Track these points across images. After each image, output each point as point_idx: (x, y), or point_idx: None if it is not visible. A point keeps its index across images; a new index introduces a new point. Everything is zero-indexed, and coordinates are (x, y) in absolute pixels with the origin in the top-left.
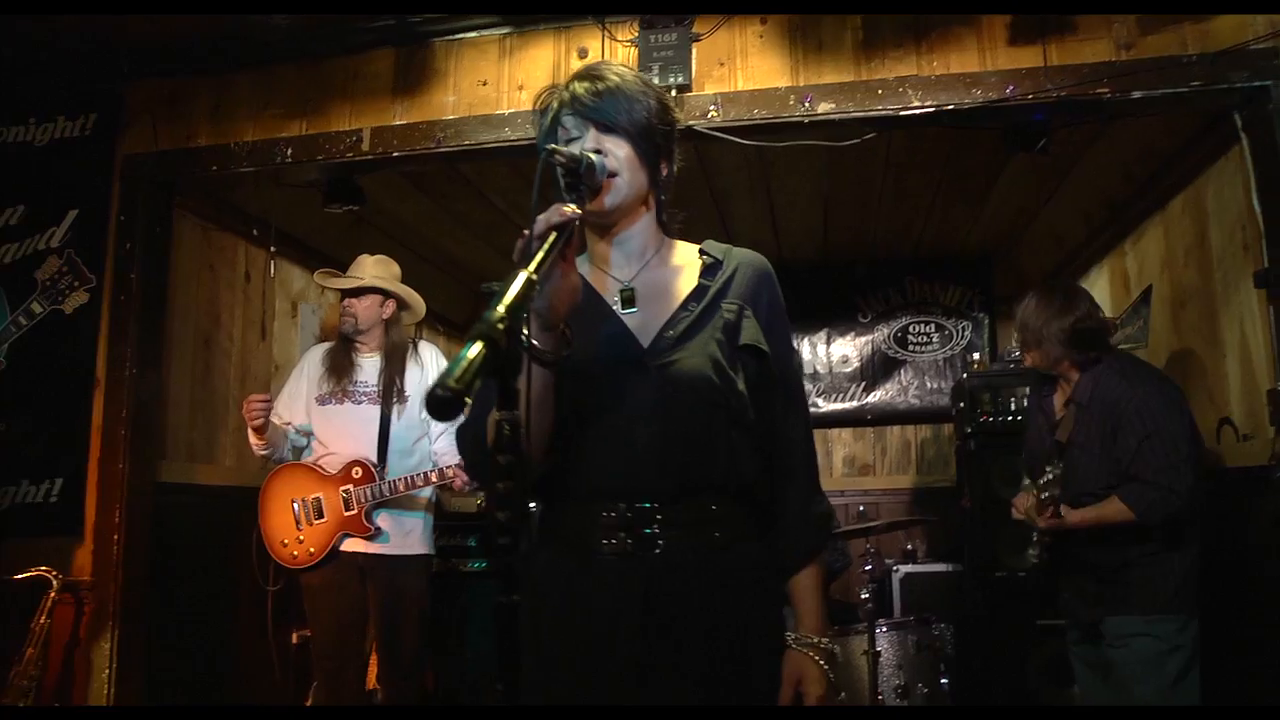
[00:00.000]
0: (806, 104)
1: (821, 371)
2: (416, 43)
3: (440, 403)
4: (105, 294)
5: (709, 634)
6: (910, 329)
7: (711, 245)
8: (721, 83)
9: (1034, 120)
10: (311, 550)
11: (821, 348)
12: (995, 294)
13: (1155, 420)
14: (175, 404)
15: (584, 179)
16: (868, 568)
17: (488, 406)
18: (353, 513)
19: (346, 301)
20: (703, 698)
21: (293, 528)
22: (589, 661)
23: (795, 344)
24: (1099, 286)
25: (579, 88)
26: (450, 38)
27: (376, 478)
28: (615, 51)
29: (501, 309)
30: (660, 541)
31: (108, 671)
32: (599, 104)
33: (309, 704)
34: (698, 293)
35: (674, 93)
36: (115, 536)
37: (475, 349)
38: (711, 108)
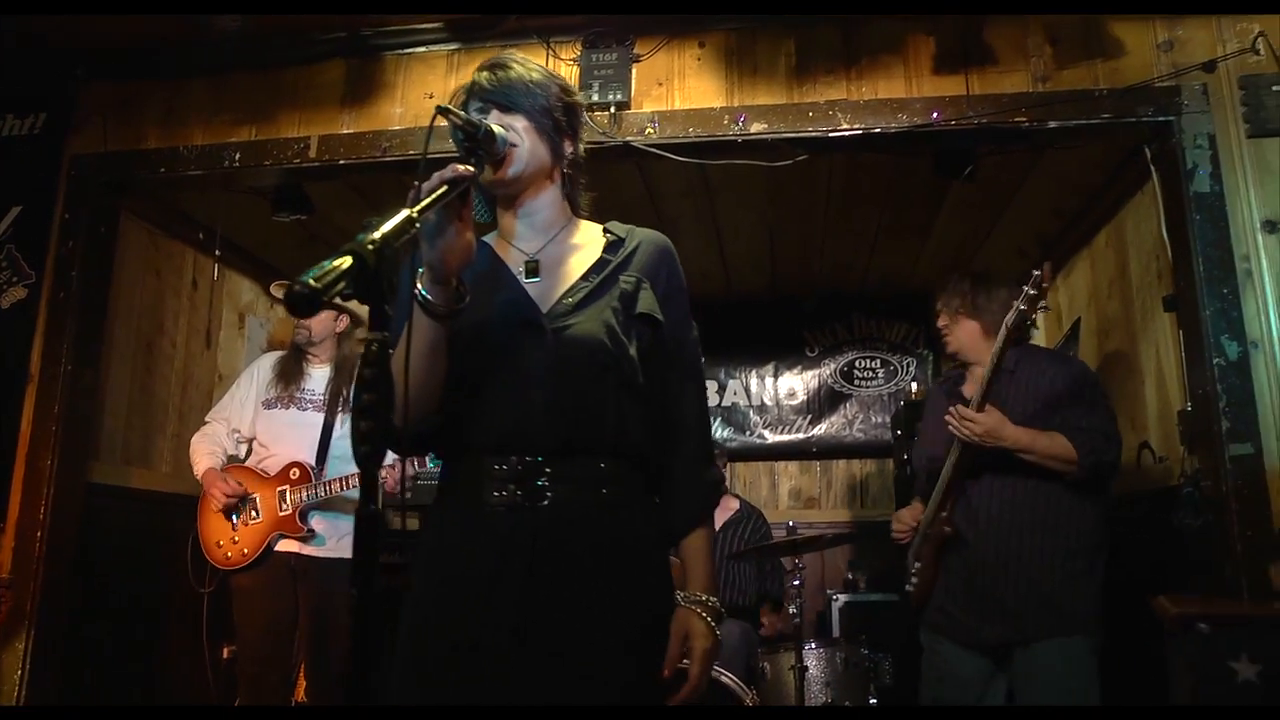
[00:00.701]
0: (740, 124)
1: (769, 404)
2: (368, 55)
3: (299, 298)
4: (44, 291)
5: (593, 587)
6: (856, 364)
7: (615, 225)
8: (660, 101)
9: (960, 146)
10: (245, 550)
11: (769, 380)
12: (938, 331)
13: (1099, 386)
14: (113, 407)
15: (482, 144)
16: (796, 582)
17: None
18: (287, 513)
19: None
20: (582, 650)
21: (228, 528)
22: (473, 607)
23: (747, 373)
24: (1036, 323)
25: (482, 76)
26: (400, 52)
27: (313, 479)
28: (559, 69)
29: (375, 234)
30: (549, 494)
31: (19, 673)
32: (499, 87)
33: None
34: (598, 265)
35: (613, 110)
36: (38, 534)
37: (342, 259)
38: (649, 125)
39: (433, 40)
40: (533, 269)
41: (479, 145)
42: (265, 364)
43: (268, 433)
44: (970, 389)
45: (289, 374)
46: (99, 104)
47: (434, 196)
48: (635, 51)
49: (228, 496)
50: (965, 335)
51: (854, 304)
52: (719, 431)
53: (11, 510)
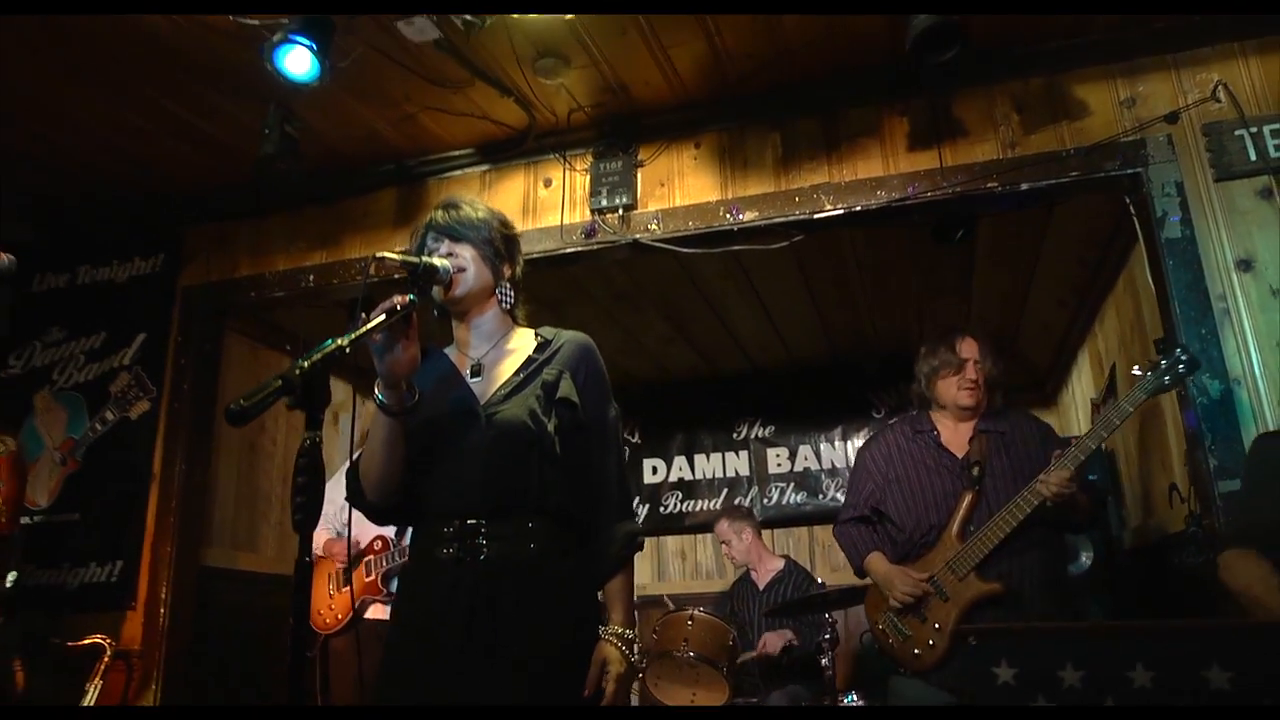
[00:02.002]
0: (734, 214)
1: (840, 466)
2: (413, 182)
3: (232, 415)
4: (163, 403)
5: (524, 625)
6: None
7: (546, 329)
8: (662, 200)
9: (937, 215)
10: (339, 615)
11: (838, 443)
12: (1006, 385)
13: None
14: (222, 499)
15: (422, 277)
16: (827, 636)
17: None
18: (371, 578)
19: None
20: (514, 677)
21: (326, 595)
22: (424, 644)
23: (816, 438)
24: (1084, 370)
25: (437, 214)
26: (441, 176)
27: (392, 548)
28: (573, 179)
29: (304, 361)
30: (485, 550)
31: None
32: (450, 223)
33: None
34: (527, 363)
35: (620, 211)
36: (161, 610)
37: (273, 383)
38: (653, 222)
39: (466, 164)
40: (476, 370)
41: (419, 278)
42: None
43: None
44: (953, 436)
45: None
46: (202, 242)
47: (370, 325)
48: (639, 158)
49: (344, 563)
50: (984, 391)
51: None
52: (794, 495)
53: (140, 591)
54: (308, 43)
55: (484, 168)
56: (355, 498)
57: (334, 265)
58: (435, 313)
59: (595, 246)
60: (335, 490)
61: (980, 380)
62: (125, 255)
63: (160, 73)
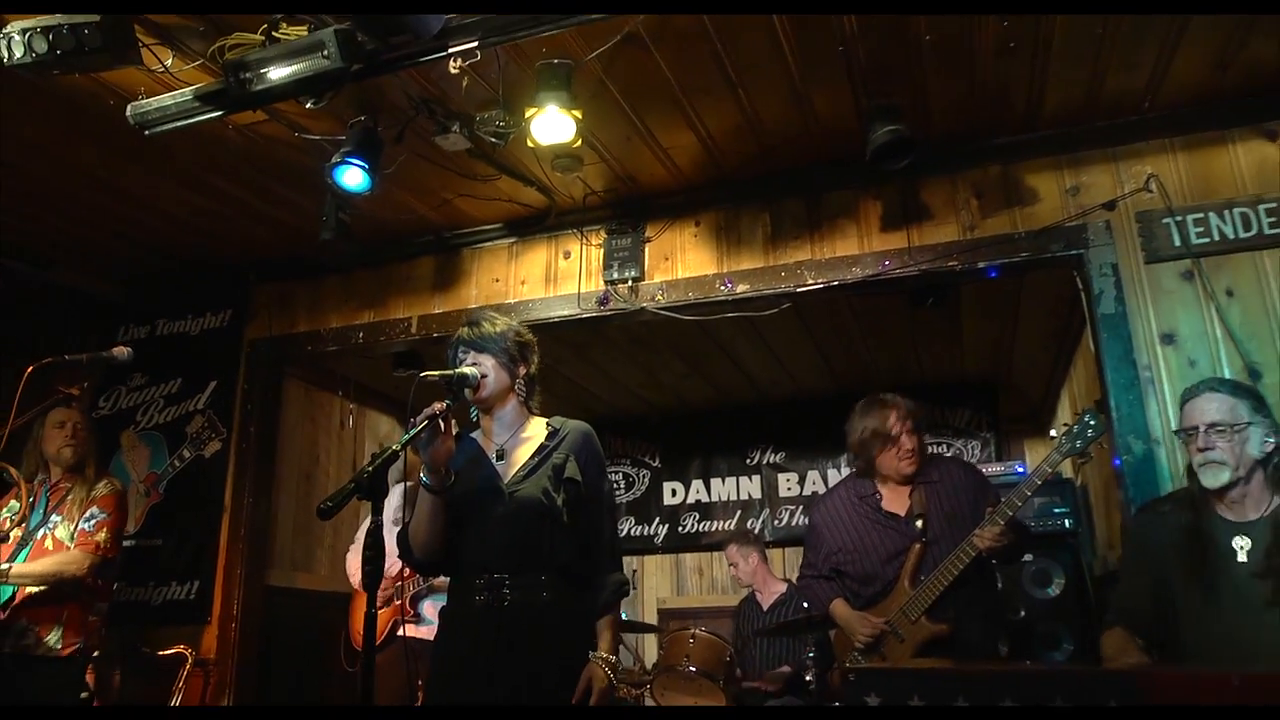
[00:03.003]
0: (728, 286)
1: None
2: (450, 251)
3: (322, 512)
4: (233, 442)
5: (535, 653)
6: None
7: (556, 419)
8: (666, 273)
9: (904, 289)
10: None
11: (844, 469)
12: (1000, 415)
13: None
14: (282, 525)
15: (456, 385)
16: (811, 654)
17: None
18: (401, 602)
19: None
20: (529, 691)
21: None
22: (459, 669)
23: (824, 465)
24: (1066, 407)
25: (464, 331)
26: (474, 246)
27: (416, 575)
28: (589, 252)
29: (369, 465)
30: (508, 598)
31: None
32: (474, 338)
33: None
34: (540, 449)
35: (630, 283)
36: (233, 625)
37: (346, 488)
38: (659, 293)
39: (496, 237)
40: (500, 454)
41: (453, 386)
42: (396, 494)
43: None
44: (893, 501)
45: (413, 502)
46: (265, 301)
47: (416, 430)
48: (646, 235)
49: (384, 592)
50: (916, 444)
51: (917, 394)
52: (802, 519)
53: (215, 607)
54: (361, 163)
55: (511, 240)
56: (405, 556)
57: (380, 324)
58: (472, 414)
59: (608, 313)
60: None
61: (915, 447)
62: (199, 311)
63: (230, 168)
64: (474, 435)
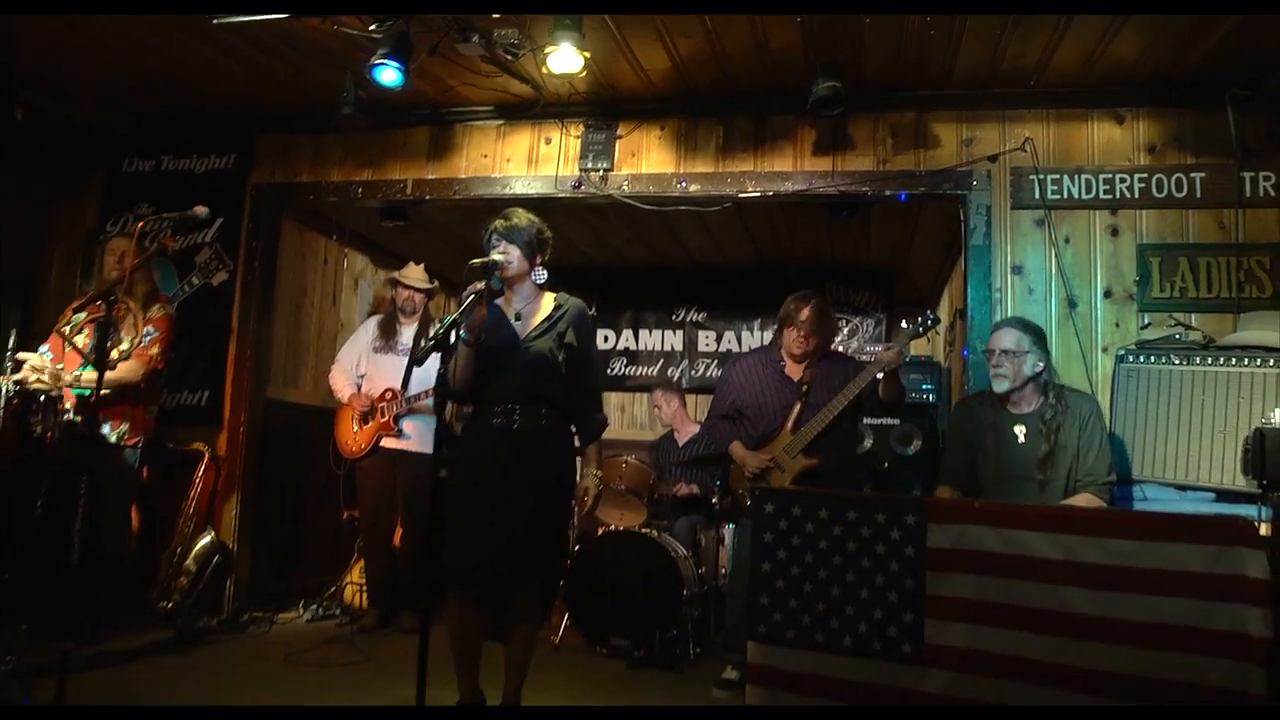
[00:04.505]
0: (682, 185)
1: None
2: (444, 124)
3: (415, 361)
4: (238, 274)
5: (538, 463)
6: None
7: (561, 295)
8: (632, 167)
9: (828, 204)
10: (362, 445)
11: (758, 332)
12: (895, 299)
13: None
14: (276, 347)
15: (488, 269)
16: (717, 483)
17: (452, 368)
18: (385, 419)
19: (409, 294)
20: (533, 492)
21: (352, 431)
22: (480, 472)
23: (739, 326)
24: (946, 299)
25: (498, 222)
26: (466, 123)
27: (399, 398)
28: (568, 142)
29: (440, 328)
30: (517, 422)
31: (235, 512)
32: (505, 229)
33: (353, 560)
34: (549, 318)
35: (601, 173)
36: (241, 429)
37: (428, 346)
38: (625, 183)
39: (487, 117)
40: (518, 317)
41: (488, 269)
42: (371, 324)
43: (374, 369)
44: (792, 371)
45: (388, 331)
46: (268, 149)
47: (466, 305)
48: (618, 132)
49: (365, 409)
50: (818, 343)
51: (827, 274)
52: (716, 371)
53: (225, 414)
54: (396, 64)
55: (499, 122)
56: (443, 390)
57: (379, 183)
58: (498, 285)
59: (580, 196)
60: (349, 354)
61: (807, 340)
62: (204, 151)
63: (246, 30)
64: (498, 302)
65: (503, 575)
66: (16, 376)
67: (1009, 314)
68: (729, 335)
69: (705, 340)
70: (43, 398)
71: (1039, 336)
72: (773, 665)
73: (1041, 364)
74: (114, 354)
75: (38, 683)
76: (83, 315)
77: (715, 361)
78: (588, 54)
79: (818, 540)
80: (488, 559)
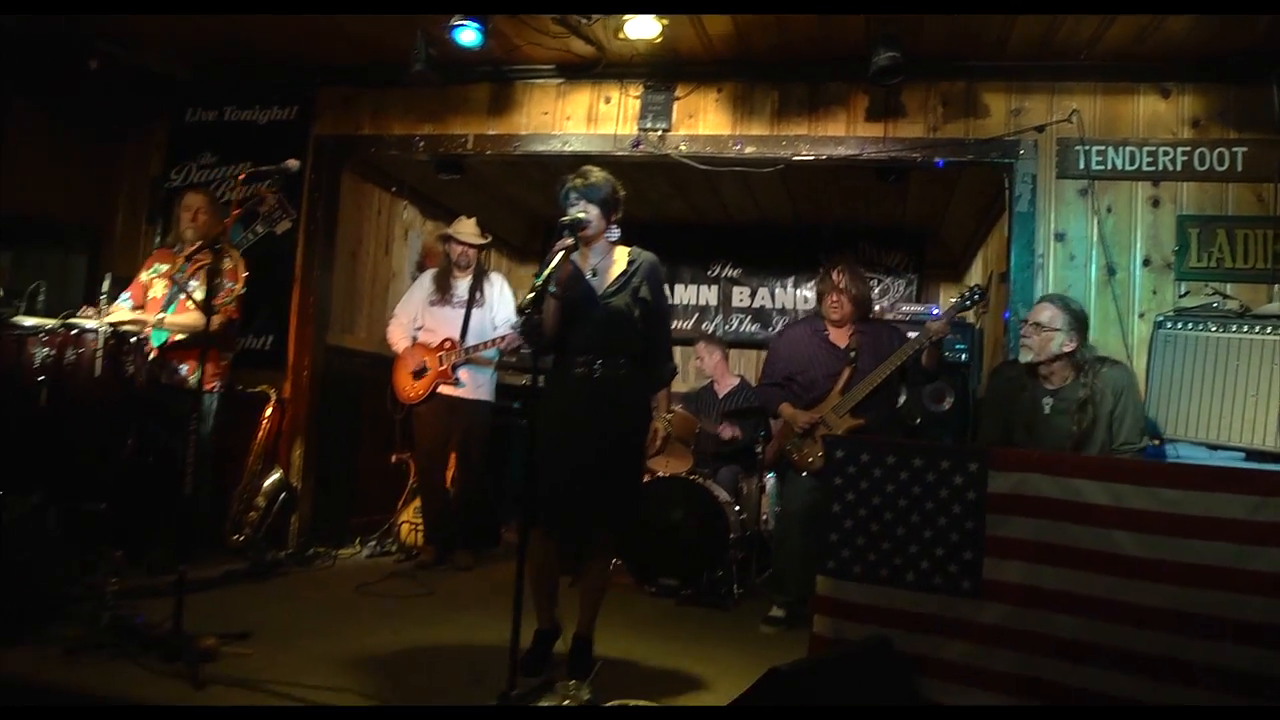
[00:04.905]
0: (738, 147)
1: (789, 307)
2: (505, 82)
3: (520, 311)
4: (301, 224)
5: (615, 410)
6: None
7: (634, 250)
8: (690, 128)
9: (879, 169)
10: (420, 392)
11: (790, 289)
12: (926, 260)
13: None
14: (335, 294)
15: (573, 227)
16: (763, 434)
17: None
18: (443, 368)
19: (463, 249)
20: (610, 437)
21: (410, 378)
22: (564, 418)
23: (774, 283)
24: (979, 264)
25: (575, 180)
26: (526, 81)
27: (459, 347)
28: (627, 101)
29: (539, 282)
30: (598, 372)
31: (299, 452)
32: (583, 187)
33: (404, 500)
34: (623, 273)
35: (660, 133)
36: (305, 373)
37: (530, 299)
38: (682, 144)
39: (548, 76)
40: (594, 273)
41: (571, 227)
42: (427, 279)
43: (432, 321)
44: (837, 338)
45: (443, 285)
46: (330, 102)
47: (555, 262)
48: (676, 93)
49: (416, 368)
50: (855, 309)
51: (861, 235)
52: (750, 326)
53: (289, 358)
54: (477, 25)
55: (559, 81)
56: (532, 340)
57: (441, 137)
58: (577, 244)
59: (639, 155)
60: (406, 309)
61: (843, 302)
62: (265, 103)
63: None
64: (573, 258)
65: (584, 513)
66: (112, 319)
67: (1050, 279)
68: (763, 291)
69: (739, 296)
70: (134, 339)
71: (1076, 318)
72: (839, 597)
73: (1071, 345)
74: (188, 303)
75: (141, 604)
76: (165, 266)
77: (749, 317)
78: (666, 21)
79: (885, 484)
80: (571, 498)
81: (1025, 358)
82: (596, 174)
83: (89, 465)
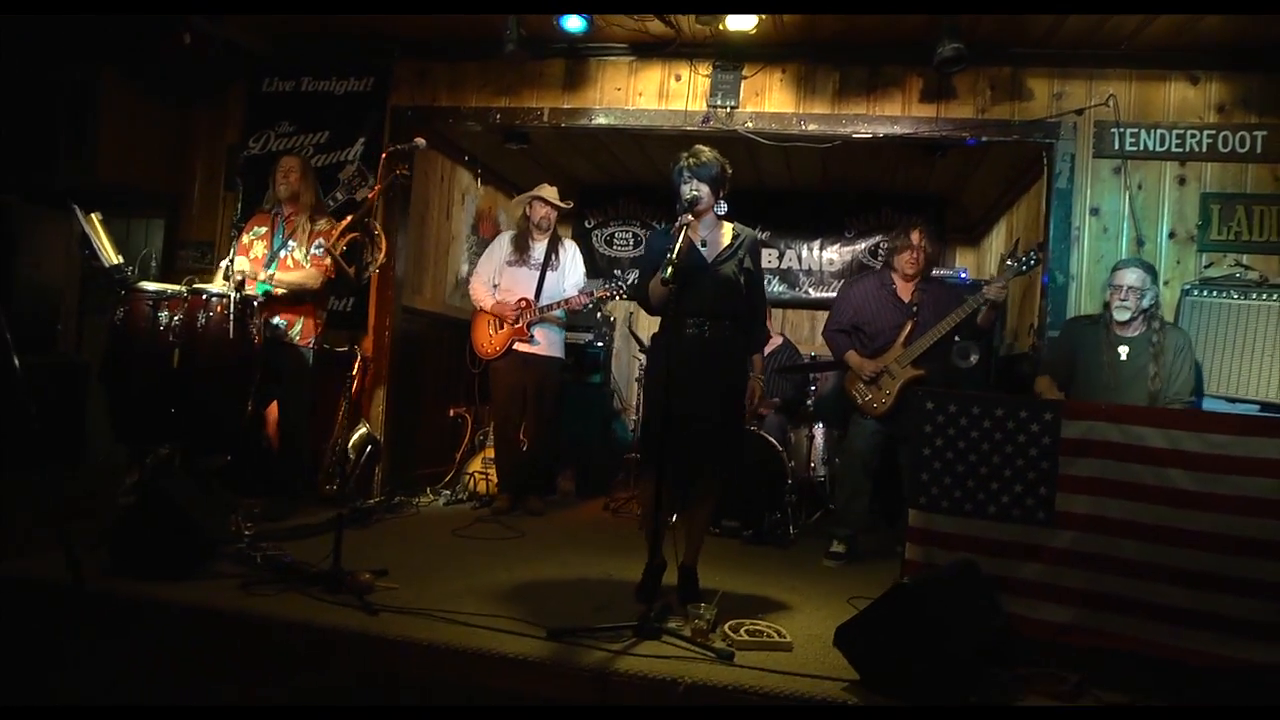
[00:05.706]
0: (802, 124)
1: (814, 269)
2: (579, 58)
3: (663, 283)
4: (379, 191)
5: (723, 367)
6: (882, 245)
7: (738, 225)
8: (756, 105)
9: (932, 146)
10: (497, 348)
11: (816, 251)
12: (948, 225)
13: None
14: (407, 257)
15: (690, 204)
16: (812, 388)
17: (649, 277)
18: (519, 326)
19: (545, 212)
20: (717, 393)
21: (488, 335)
22: (678, 374)
23: (800, 245)
24: (1000, 232)
25: (688, 160)
26: (599, 58)
27: (534, 307)
28: (696, 80)
29: (672, 255)
30: (708, 333)
31: (383, 405)
32: (695, 166)
33: (462, 452)
34: (730, 246)
35: (729, 110)
36: (385, 333)
37: (665, 273)
38: (749, 120)
39: (620, 53)
40: (704, 243)
41: (690, 205)
42: (505, 240)
43: (509, 281)
44: (903, 292)
45: (521, 247)
46: (407, 74)
47: (680, 239)
48: (744, 73)
49: (513, 316)
50: (921, 264)
51: (885, 200)
52: (777, 286)
53: (370, 319)
54: (584, 16)
55: (631, 58)
56: (644, 302)
57: (516, 109)
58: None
59: (707, 130)
60: (487, 267)
61: (919, 258)
62: (342, 74)
63: None
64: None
65: (695, 459)
66: (237, 266)
67: (1086, 249)
68: (790, 254)
69: (767, 257)
70: (255, 303)
71: (1155, 275)
72: (929, 528)
73: (1155, 299)
74: (289, 261)
75: (279, 546)
76: (264, 228)
77: (777, 278)
78: (763, 16)
79: (970, 430)
80: (681, 446)
81: (1123, 317)
82: (707, 153)
83: (215, 422)
